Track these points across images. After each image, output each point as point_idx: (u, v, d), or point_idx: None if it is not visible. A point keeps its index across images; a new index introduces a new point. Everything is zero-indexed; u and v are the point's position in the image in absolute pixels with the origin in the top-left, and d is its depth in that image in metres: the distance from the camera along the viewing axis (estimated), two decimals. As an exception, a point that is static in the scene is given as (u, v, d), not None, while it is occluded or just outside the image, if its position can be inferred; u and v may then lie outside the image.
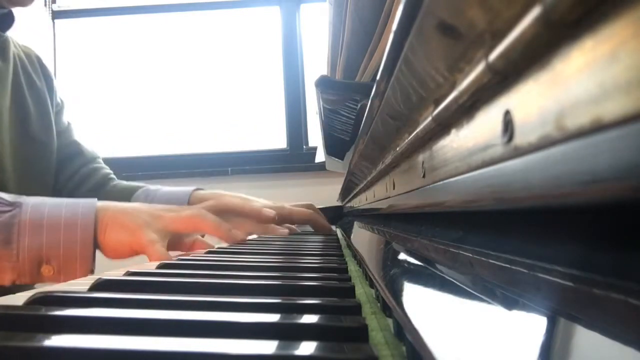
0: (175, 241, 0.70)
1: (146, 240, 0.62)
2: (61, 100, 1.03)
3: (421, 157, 0.26)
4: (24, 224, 0.58)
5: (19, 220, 0.58)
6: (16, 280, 0.60)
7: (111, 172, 1.06)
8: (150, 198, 0.93)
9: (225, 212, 0.71)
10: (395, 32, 0.21)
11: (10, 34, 0.92)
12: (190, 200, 0.90)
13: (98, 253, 0.65)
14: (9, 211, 0.59)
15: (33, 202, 0.61)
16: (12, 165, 0.86)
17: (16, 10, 0.90)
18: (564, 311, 0.12)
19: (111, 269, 0.49)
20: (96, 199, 0.65)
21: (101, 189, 0.98)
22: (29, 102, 0.91)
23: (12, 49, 0.92)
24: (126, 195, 0.95)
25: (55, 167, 0.95)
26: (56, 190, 0.98)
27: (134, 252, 0.64)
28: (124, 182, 1.04)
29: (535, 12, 0.11)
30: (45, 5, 2.14)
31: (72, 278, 0.58)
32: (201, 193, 0.92)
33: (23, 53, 0.95)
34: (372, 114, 0.36)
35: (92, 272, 0.63)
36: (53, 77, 1.01)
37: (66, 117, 1.03)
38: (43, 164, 0.92)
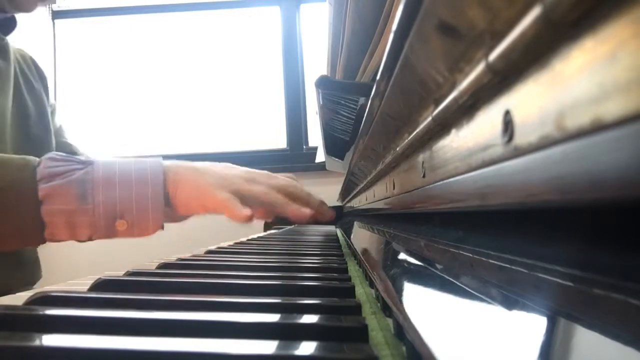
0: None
1: (222, 198, 0.64)
2: (54, 102, 1.05)
3: (421, 157, 0.26)
4: (98, 181, 0.60)
5: (92, 177, 0.60)
6: (92, 235, 0.62)
7: None
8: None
9: (291, 198, 0.72)
10: (395, 32, 0.21)
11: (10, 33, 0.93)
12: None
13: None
14: (82, 169, 0.61)
15: (104, 161, 0.63)
16: None
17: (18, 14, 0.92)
18: (564, 311, 0.12)
19: (111, 269, 0.49)
20: (161, 158, 0.67)
21: None
22: (29, 104, 0.93)
23: (11, 52, 0.94)
24: None
25: None
26: None
27: (206, 210, 0.66)
28: None
29: (535, 12, 0.11)
30: (44, 4, 2.14)
31: (145, 232, 0.63)
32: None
33: (19, 56, 0.97)
34: (372, 114, 0.36)
35: (162, 227, 0.65)
36: (46, 78, 1.03)
37: (58, 119, 1.05)
38: None
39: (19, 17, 0.93)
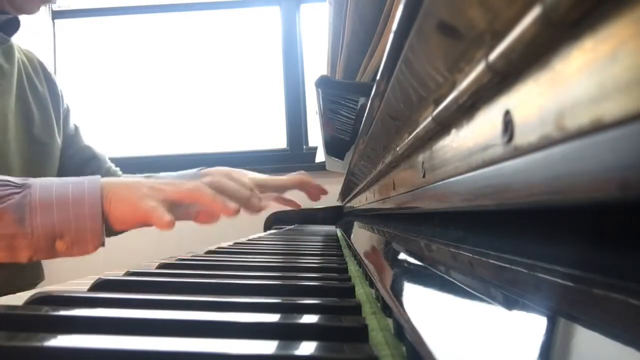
0: (180, 212, 0.74)
1: (149, 208, 0.66)
2: (67, 106, 1.06)
3: (421, 157, 0.26)
4: (35, 204, 0.62)
5: (29, 200, 0.62)
6: (33, 257, 0.63)
7: (119, 169, 1.10)
8: None
9: (219, 192, 0.73)
10: (395, 32, 0.21)
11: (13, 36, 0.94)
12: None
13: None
14: (20, 192, 0.62)
15: (41, 182, 0.64)
16: (18, 165, 0.89)
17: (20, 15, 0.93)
18: (564, 311, 0.12)
19: (111, 269, 0.49)
20: (99, 175, 0.69)
21: None
22: (32, 105, 0.94)
23: (16, 53, 0.94)
24: None
25: (72, 172, 0.98)
26: None
27: (138, 222, 0.68)
28: (130, 176, 1.07)
29: (535, 12, 0.11)
30: (46, 5, 2.14)
31: (85, 251, 0.64)
32: (205, 172, 0.99)
33: (26, 57, 0.98)
34: (372, 114, 0.36)
35: (103, 244, 0.67)
36: (57, 82, 1.04)
37: (72, 122, 1.06)
38: (46, 164, 0.95)
39: (21, 17, 0.94)
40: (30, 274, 0.94)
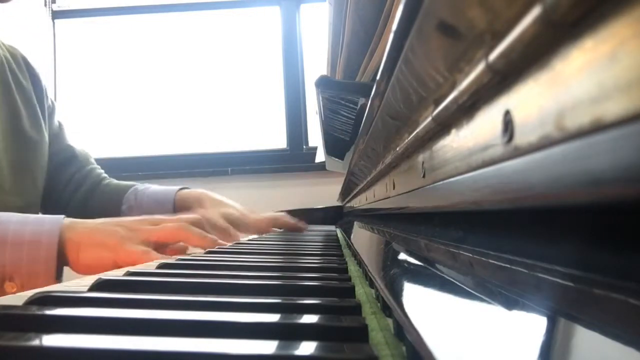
0: (163, 250, 0.71)
1: (136, 252, 0.62)
2: (52, 102, 1.04)
3: (421, 157, 0.26)
4: None
5: None
6: None
7: (103, 171, 1.08)
8: (140, 198, 0.97)
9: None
10: (395, 32, 0.21)
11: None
12: (175, 200, 0.96)
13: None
14: None
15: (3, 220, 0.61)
16: (6, 161, 0.88)
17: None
18: (564, 311, 0.12)
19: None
20: (63, 216, 0.65)
21: (96, 189, 1.02)
22: (18, 102, 0.92)
23: None
24: (118, 195, 0.99)
25: (52, 171, 0.97)
26: (56, 194, 1.00)
27: (117, 267, 0.63)
28: (115, 182, 1.06)
29: (535, 12, 0.11)
30: (45, 5, 2.14)
31: (35, 287, 0.59)
32: (185, 193, 0.98)
33: (9, 53, 0.96)
34: (372, 114, 0.36)
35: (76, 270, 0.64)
36: (40, 77, 1.01)
37: (57, 119, 1.04)
38: (34, 160, 0.94)
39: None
40: None
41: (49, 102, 1.02)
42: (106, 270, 0.62)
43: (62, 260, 0.62)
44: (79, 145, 1.08)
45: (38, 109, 0.96)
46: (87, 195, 1.00)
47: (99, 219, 0.69)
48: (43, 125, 0.97)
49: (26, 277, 0.60)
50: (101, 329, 0.23)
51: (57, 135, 1.02)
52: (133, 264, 0.63)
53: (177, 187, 1.00)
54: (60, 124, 1.04)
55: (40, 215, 0.67)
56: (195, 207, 0.92)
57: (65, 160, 1.01)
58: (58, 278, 0.63)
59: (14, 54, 0.97)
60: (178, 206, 0.97)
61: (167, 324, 0.24)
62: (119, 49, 2.21)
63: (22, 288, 0.59)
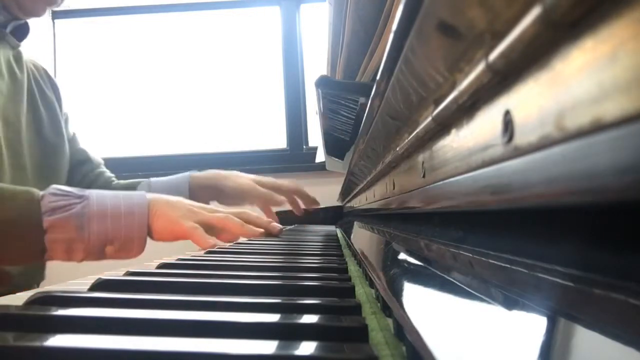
0: (210, 233, 0.82)
1: (188, 227, 0.76)
2: (66, 113, 1.13)
3: (421, 157, 0.26)
4: (93, 214, 0.72)
5: (88, 211, 0.72)
6: (85, 258, 0.74)
7: (113, 175, 1.18)
8: (154, 189, 1.07)
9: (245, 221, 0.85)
10: (395, 32, 0.21)
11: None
12: (190, 184, 1.09)
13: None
14: (80, 203, 0.72)
15: (97, 195, 0.74)
16: (30, 164, 0.96)
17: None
18: (564, 311, 0.12)
19: (111, 269, 0.49)
20: (144, 192, 0.79)
21: (107, 188, 1.08)
22: (41, 109, 1.01)
23: (24, 59, 1.01)
24: (131, 189, 1.07)
25: (67, 172, 1.07)
26: None
27: (176, 238, 0.78)
28: (123, 181, 1.16)
29: (535, 12, 0.11)
30: (51, 7, 2.14)
31: (128, 256, 0.76)
32: (197, 176, 1.12)
33: (32, 65, 1.05)
34: (372, 114, 0.36)
35: (142, 251, 0.77)
36: (59, 88, 1.11)
37: (71, 128, 1.14)
38: (55, 164, 1.03)
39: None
40: (32, 276, 0.98)
41: (64, 112, 1.12)
42: (171, 239, 0.79)
43: (148, 228, 0.76)
44: (94, 153, 1.17)
45: (60, 116, 1.06)
46: None
47: (174, 196, 0.82)
48: (64, 131, 1.06)
49: (124, 241, 0.74)
50: (101, 329, 0.23)
51: (71, 140, 1.12)
52: (184, 238, 0.77)
53: (188, 173, 1.12)
54: (74, 134, 1.14)
55: (127, 192, 0.78)
56: (216, 189, 1.08)
57: (79, 162, 1.12)
58: (145, 243, 0.76)
59: (36, 66, 1.06)
60: (193, 189, 1.08)
61: (167, 324, 0.24)
62: (119, 49, 2.21)
63: (119, 251, 0.74)
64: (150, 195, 0.78)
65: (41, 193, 0.71)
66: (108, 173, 1.17)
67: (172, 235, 0.77)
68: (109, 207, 0.73)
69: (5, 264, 0.79)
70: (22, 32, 0.99)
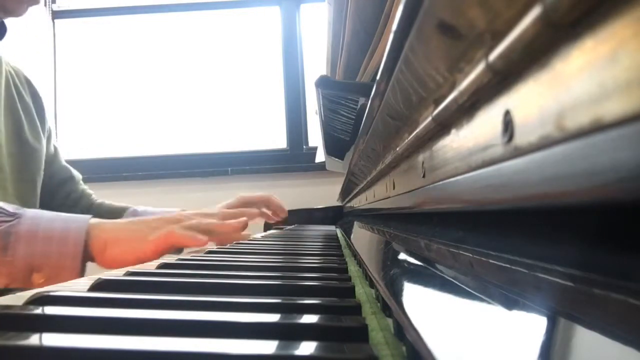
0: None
1: (161, 236, 0.70)
2: (49, 127, 1.11)
3: (421, 157, 0.26)
4: (21, 235, 0.64)
5: (16, 231, 0.64)
6: (9, 284, 0.65)
7: (92, 192, 1.16)
8: (142, 215, 1.03)
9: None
10: (395, 32, 0.21)
11: (8, 34, 0.96)
12: None
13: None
14: (9, 221, 0.64)
15: (31, 215, 0.66)
16: (9, 166, 0.93)
17: (8, 20, 0.95)
18: (564, 311, 0.12)
19: (111, 269, 0.49)
20: (90, 215, 0.71)
21: (90, 209, 1.09)
22: (20, 112, 0.99)
23: (3, 62, 0.99)
24: (115, 216, 1.03)
25: (52, 189, 1.05)
26: (55, 210, 1.03)
27: (140, 262, 0.69)
28: (107, 203, 1.13)
29: (535, 12, 0.11)
30: (45, 5, 2.14)
31: (62, 281, 0.63)
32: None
33: (11, 68, 1.02)
34: (372, 114, 0.36)
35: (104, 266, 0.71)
36: (41, 97, 1.08)
37: (53, 144, 1.11)
38: (34, 166, 1.00)
39: (18, 18, 0.95)
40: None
41: (47, 125, 1.08)
42: (130, 265, 0.69)
43: (87, 256, 0.68)
44: (73, 168, 1.16)
45: (37, 122, 1.03)
46: (83, 213, 1.07)
47: (122, 219, 0.76)
48: (42, 136, 1.03)
49: (54, 269, 0.65)
50: (101, 329, 0.23)
51: (54, 156, 1.09)
52: (180, 244, 0.72)
53: (179, 209, 1.07)
54: (56, 148, 1.11)
55: (68, 214, 0.71)
56: None
57: (62, 180, 1.09)
58: (82, 273, 0.68)
59: (17, 71, 1.04)
60: None
61: (167, 324, 0.24)
62: (119, 49, 2.21)
63: (48, 280, 0.64)
64: (94, 221, 0.70)
65: None
66: (88, 190, 1.14)
67: (136, 259, 0.69)
68: (41, 230, 0.65)
69: None
70: (0, 32, 0.94)
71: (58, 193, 1.07)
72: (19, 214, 0.66)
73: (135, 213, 1.05)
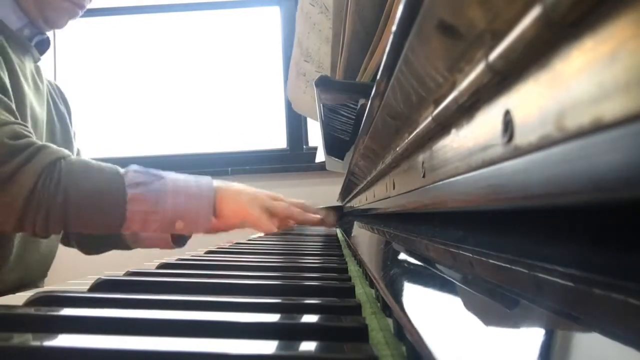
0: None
1: (254, 213, 0.85)
2: (74, 130, 1.19)
3: (421, 157, 0.26)
4: (169, 191, 0.81)
5: (165, 188, 0.82)
6: (157, 230, 0.83)
7: None
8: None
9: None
10: (395, 32, 0.21)
11: None
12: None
13: None
14: (157, 180, 0.82)
15: (171, 176, 0.84)
16: None
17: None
18: (564, 311, 0.12)
19: (111, 269, 0.49)
20: (210, 177, 0.88)
21: None
22: (55, 121, 1.08)
23: (43, 75, 1.07)
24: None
25: None
26: None
27: (241, 223, 0.87)
28: None
29: (535, 12, 0.11)
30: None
31: (196, 231, 0.86)
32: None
33: (47, 80, 1.11)
34: (372, 114, 0.36)
35: (206, 230, 0.86)
36: (70, 107, 1.19)
37: (76, 145, 1.20)
38: None
39: None
40: (38, 272, 1.03)
41: (73, 130, 1.18)
42: (236, 224, 0.87)
43: (214, 210, 0.84)
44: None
45: (70, 127, 1.13)
46: None
47: (238, 184, 0.92)
48: (73, 142, 1.13)
49: (192, 219, 0.82)
50: (101, 329, 0.23)
51: (77, 156, 1.18)
52: (251, 222, 0.86)
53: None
54: (79, 150, 1.21)
55: (197, 177, 0.86)
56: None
57: None
58: (210, 222, 0.84)
59: (50, 81, 1.13)
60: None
61: (168, 324, 0.24)
62: (119, 49, 2.21)
63: (187, 226, 0.82)
64: (217, 182, 0.87)
65: (124, 170, 0.81)
66: None
67: (239, 218, 0.86)
68: (182, 187, 0.82)
69: (87, 230, 0.85)
70: (43, 46, 1.04)
71: None
72: (161, 174, 0.83)
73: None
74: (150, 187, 0.81)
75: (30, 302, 0.30)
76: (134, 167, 0.83)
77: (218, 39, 2.19)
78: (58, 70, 2.17)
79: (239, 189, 0.89)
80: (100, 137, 2.12)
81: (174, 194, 0.82)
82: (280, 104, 2.13)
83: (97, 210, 0.78)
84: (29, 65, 0.99)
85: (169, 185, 0.82)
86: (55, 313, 0.26)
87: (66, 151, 0.80)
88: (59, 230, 0.81)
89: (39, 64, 1.05)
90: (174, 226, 0.82)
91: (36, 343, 0.21)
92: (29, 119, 0.94)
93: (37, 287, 1.02)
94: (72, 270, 0.86)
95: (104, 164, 0.82)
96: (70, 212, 0.76)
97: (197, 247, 0.83)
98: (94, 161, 0.82)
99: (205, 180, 0.86)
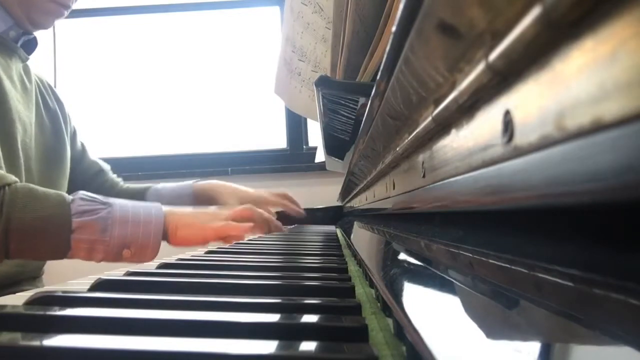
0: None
1: (219, 226, 0.84)
2: (74, 127, 1.20)
3: (421, 157, 0.26)
4: (116, 219, 0.80)
5: (112, 216, 0.80)
6: (104, 259, 0.80)
7: (120, 180, 1.28)
8: (160, 197, 1.17)
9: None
10: (395, 32, 0.21)
11: None
12: (194, 194, 1.20)
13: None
14: (105, 209, 0.80)
15: (118, 203, 0.82)
16: (36, 168, 1.03)
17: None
18: (564, 311, 0.12)
19: (111, 269, 0.49)
20: (160, 204, 0.87)
21: (119, 195, 1.17)
22: (46, 119, 1.08)
23: (32, 72, 1.08)
24: (139, 197, 1.18)
25: (85, 184, 1.15)
26: None
27: (205, 242, 0.86)
28: (132, 186, 1.27)
29: (535, 12, 0.11)
30: (58, 18, 2.14)
31: (143, 260, 0.81)
32: (200, 185, 1.22)
33: (38, 78, 1.11)
34: (372, 114, 0.36)
35: (155, 257, 0.83)
36: (64, 105, 1.18)
37: (79, 140, 1.21)
38: (59, 170, 1.10)
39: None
40: (33, 269, 1.04)
41: (72, 127, 1.19)
42: (198, 244, 0.86)
43: (164, 236, 0.83)
44: (101, 160, 1.26)
45: (63, 127, 1.12)
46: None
47: (187, 207, 0.92)
48: (66, 141, 1.13)
49: (140, 247, 0.80)
50: (101, 329, 0.23)
51: (82, 152, 1.21)
52: (222, 235, 0.84)
53: (191, 182, 1.23)
54: (83, 145, 1.22)
55: (145, 203, 0.86)
56: (215, 197, 1.17)
57: (94, 174, 1.22)
58: (158, 250, 0.84)
59: (41, 79, 1.13)
60: (196, 198, 1.19)
61: (167, 324, 0.24)
62: (119, 49, 2.21)
63: (135, 254, 0.80)
64: (166, 208, 0.86)
65: (70, 197, 0.79)
66: (115, 178, 1.26)
67: (202, 239, 0.85)
68: (130, 215, 0.81)
69: (30, 258, 0.85)
70: (30, 46, 1.06)
71: (91, 185, 1.16)
72: (109, 202, 0.81)
73: (157, 191, 1.22)
74: (96, 216, 0.79)
75: (30, 302, 0.30)
76: (81, 194, 0.81)
77: (218, 39, 2.19)
78: (58, 70, 2.17)
79: (192, 212, 0.89)
80: (100, 137, 2.12)
81: (121, 222, 0.80)
82: (280, 104, 2.12)
83: (39, 239, 0.76)
84: (15, 67, 1.00)
85: (116, 214, 0.80)
86: (55, 313, 0.26)
87: (12, 177, 0.78)
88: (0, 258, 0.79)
89: (27, 63, 1.06)
90: (121, 255, 0.80)
91: (36, 343, 0.21)
92: (15, 121, 0.95)
93: (34, 282, 1.03)
94: (72, 270, 0.87)
95: (50, 191, 0.80)
96: (12, 239, 0.74)
97: (195, 247, 0.84)
98: (40, 188, 0.79)
99: (154, 206, 0.85)
